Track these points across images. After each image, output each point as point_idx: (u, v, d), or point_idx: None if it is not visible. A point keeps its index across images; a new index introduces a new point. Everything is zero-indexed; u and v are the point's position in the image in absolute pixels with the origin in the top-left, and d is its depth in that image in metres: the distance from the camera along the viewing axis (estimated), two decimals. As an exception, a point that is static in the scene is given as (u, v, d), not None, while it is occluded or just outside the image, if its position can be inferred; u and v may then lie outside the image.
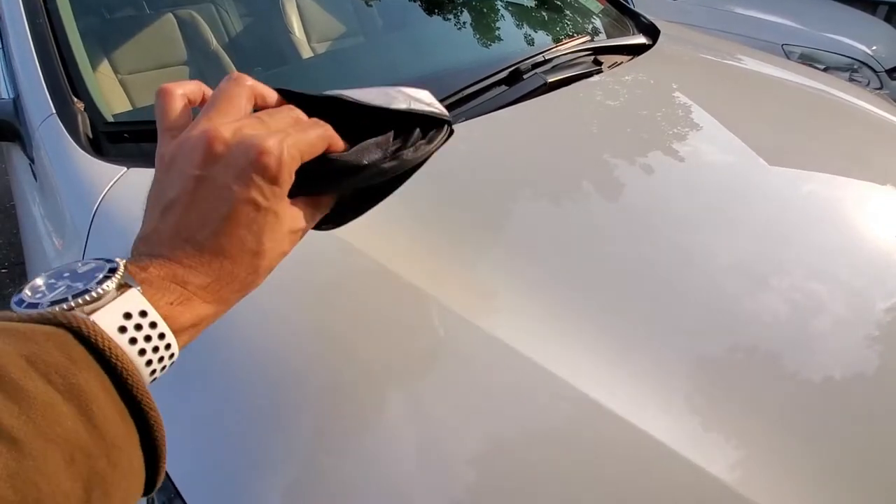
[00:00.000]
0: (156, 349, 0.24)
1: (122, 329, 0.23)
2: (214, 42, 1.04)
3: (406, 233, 0.52)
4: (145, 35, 1.00)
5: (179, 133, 0.29)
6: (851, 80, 2.25)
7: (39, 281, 0.24)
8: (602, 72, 0.91)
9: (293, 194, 0.29)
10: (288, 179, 0.28)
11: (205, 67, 1.03)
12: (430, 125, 0.34)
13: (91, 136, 0.65)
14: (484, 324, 0.46)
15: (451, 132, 0.35)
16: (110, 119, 0.70)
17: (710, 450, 0.40)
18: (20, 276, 1.65)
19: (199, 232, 0.27)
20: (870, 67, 2.32)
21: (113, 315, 0.23)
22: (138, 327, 0.23)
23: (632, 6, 1.28)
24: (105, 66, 0.90)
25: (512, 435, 0.40)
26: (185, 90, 0.31)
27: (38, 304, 0.23)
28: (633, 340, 0.47)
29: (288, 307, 0.46)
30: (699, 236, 0.59)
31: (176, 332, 0.25)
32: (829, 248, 0.60)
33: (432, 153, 0.35)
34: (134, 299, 0.24)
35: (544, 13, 1.17)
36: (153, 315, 0.24)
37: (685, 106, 0.87)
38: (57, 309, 0.22)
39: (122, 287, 0.24)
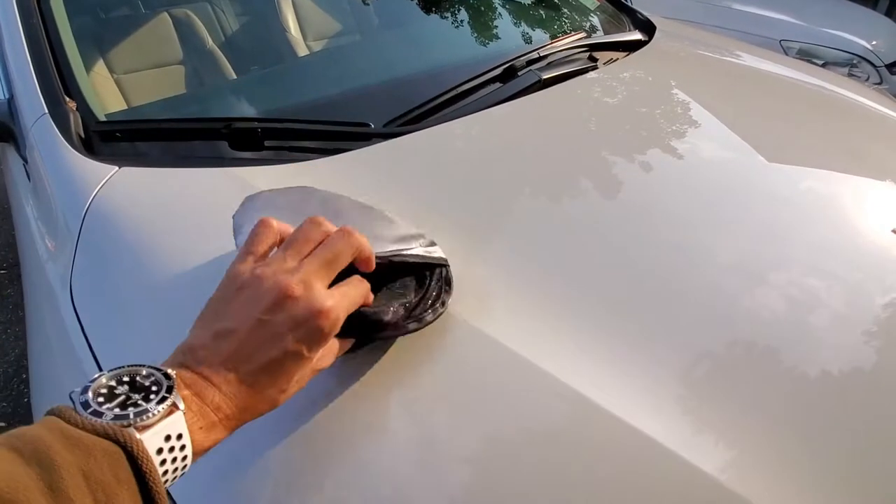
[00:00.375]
0: (175, 467, 0.27)
1: (160, 450, 0.26)
2: (210, 41, 1.04)
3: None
4: (140, 34, 0.99)
5: (257, 260, 0.34)
6: (851, 75, 2.24)
7: (103, 381, 0.27)
8: (598, 68, 0.91)
9: None
10: (332, 339, 0.33)
11: (200, 67, 1.02)
12: (432, 272, 0.41)
13: (83, 135, 0.65)
14: (478, 322, 0.46)
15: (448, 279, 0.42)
16: (102, 118, 0.70)
17: (707, 449, 0.40)
18: (19, 278, 1.65)
19: (244, 365, 0.30)
20: (869, 62, 2.31)
21: (158, 437, 0.26)
22: (171, 449, 0.27)
23: (629, 3, 1.28)
24: (100, 65, 0.90)
25: (507, 434, 0.40)
26: (281, 228, 0.36)
27: (102, 413, 0.26)
28: (629, 338, 0.46)
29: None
30: (696, 233, 0.59)
31: (195, 455, 0.29)
32: (828, 244, 0.60)
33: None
34: (177, 423, 0.27)
35: (540, 10, 1.17)
36: (186, 440, 0.27)
37: (682, 102, 0.87)
38: (118, 425, 0.25)
39: (172, 408, 0.27)
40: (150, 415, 0.26)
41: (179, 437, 0.27)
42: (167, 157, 0.66)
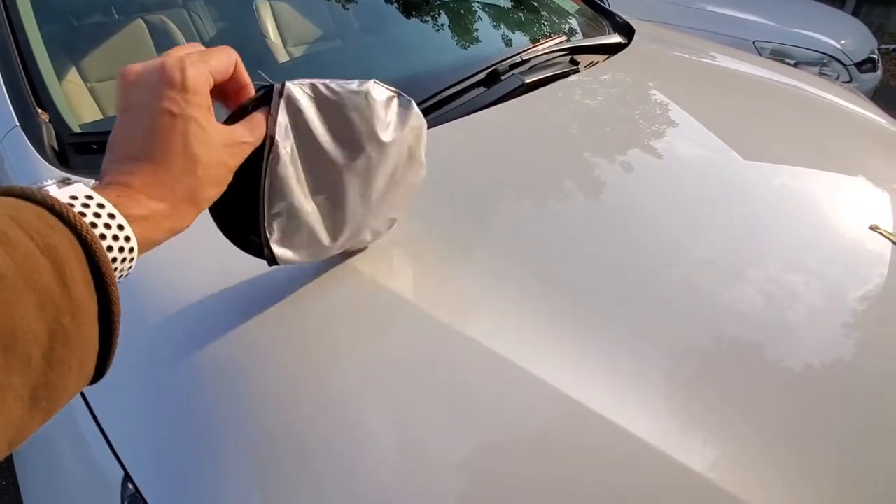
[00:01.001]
0: (115, 237, 0.25)
1: (81, 212, 0.25)
2: (187, 48, 1.02)
3: (384, 236, 0.51)
4: (114, 42, 0.97)
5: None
6: (821, 74, 2.30)
7: None
8: (579, 72, 0.92)
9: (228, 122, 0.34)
10: (199, 89, 0.31)
11: (177, 74, 1.00)
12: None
13: (56, 147, 0.63)
14: (464, 326, 0.45)
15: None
16: (77, 129, 0.68)
17: (696, 447, 0.40)
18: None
19: (129, 147, 0.30)
20: (839, 62, 2.38)
21: (62, 197, 0.25)
22: (86, 206, 0.25)
23: (607, 5, 1.29)
24: (73, 74, 0.87)
25: (494, 438, 0.40)
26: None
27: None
28: (615, 340, 0.47)
29: (271, 313, 0.45)
30: (678, 233, 0.60)
31: (128, 220, 0.26)
32: (809, 241, 0.61)
33: None
34: (79, 188, 0.26)
35: (520, 14, 1.17)
36: (99, 197, 0.25)
37: (662, 104, 0.88)
38: (26, 189, 0.24)
39: (64, 181, 0.26)
40: (44, 186, 0.25)
41: (90, 197, 0.25)
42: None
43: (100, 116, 0.81)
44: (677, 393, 0.44)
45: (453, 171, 0.67)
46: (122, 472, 0.39)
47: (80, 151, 0.64)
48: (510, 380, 0.42)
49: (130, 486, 0.38)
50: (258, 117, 0.35)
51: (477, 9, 1.12)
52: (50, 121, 0.66)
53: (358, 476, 0.37)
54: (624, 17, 1.21)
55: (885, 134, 0.95)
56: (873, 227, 0.63)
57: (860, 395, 0.47)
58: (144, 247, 0.28)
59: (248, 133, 0.34)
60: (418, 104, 0.74)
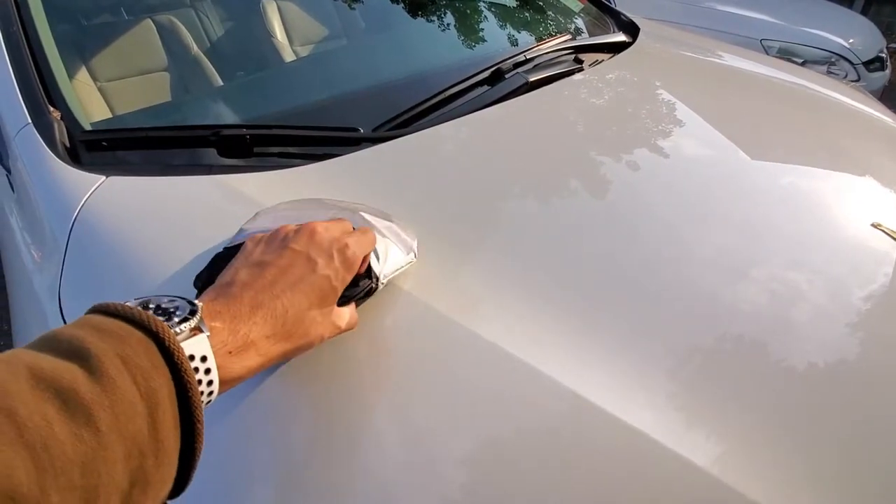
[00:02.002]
0: (201, 390, 0.27)
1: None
2: (195, 47, 1.03)
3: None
4: (123, 41, 0.98)
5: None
6: (829, 73, 2.29)
7: (129, 304, 0.27)
8: (583, 70, 0.92)
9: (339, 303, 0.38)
10: (354, 270, 0.37)
11: (186, 73, 1.02)
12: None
13: (68, 144, 0.64)
14: (468, 322, 0.46)
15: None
16: (88, 127, 0.69)
17: (700, 442, 0.40)
18: (1, 290, 1.62)
19: (275, 287, 0.32)
20: (847, 60, 2.36)
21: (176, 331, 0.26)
22: (196, 370, 0.27)
23: (613, 4, 1.29)
24: (83, 73, 0.88)
25: (499, 434, 0.40)
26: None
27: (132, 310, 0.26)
28: (619, 336, 0.47)
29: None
30: (684, 231, 0.60)
31: (223, 383, 0.28)
32: (813, 239, 0.61)
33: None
34: (201, 344, 0.27)
35: (525, 13, 1.18)
36: (212, 363, 0.27)
37: (667, 102, 0.88)
38: (146, 314, 0.25)
39: (195, 330, 0.27)
40: (174, 331, 0.26)
41: (204, 359, 0.27)
42: (155, 165, 0.65)
43: (109, 115, 0.83)
44: (682, 389, 0.44)
45: (458, 168, 0.67)
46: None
47: (91, 149, 0.65)
48: (514, 376, 0.43)
49: None
50: (348, 313, 0.40)
51: (482, 8, 1.13)
52: (61, 119, 0.67)
53: (360, 471, 0.37)
54: (629, 15, 1.21)
55: (893, 134, 0.94)
56: (876, 225, 0.63)
57: (863, 392, 0.47)
58: (227, 385, 0.29)
59: (344, 321, 0.39)
60: (422, 102, 0.75)
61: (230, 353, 0.29)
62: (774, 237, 0.60)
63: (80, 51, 0.90)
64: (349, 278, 0.37)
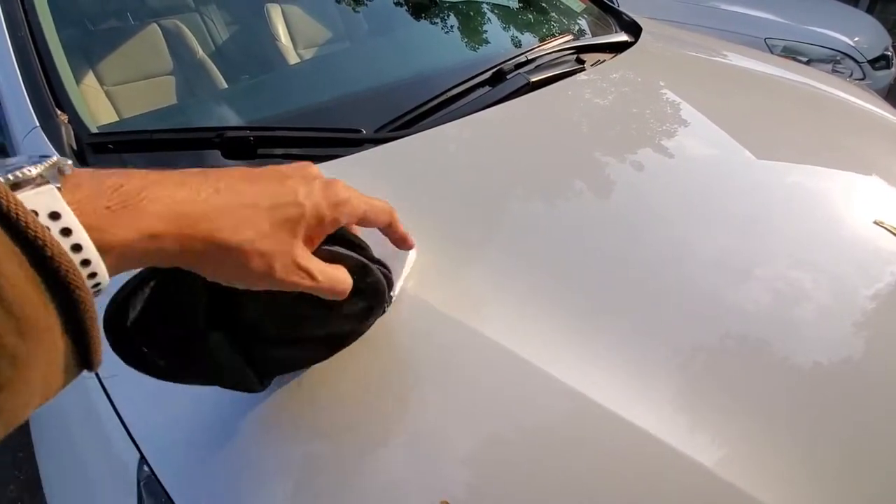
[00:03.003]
0: (76, 247, 0.20)
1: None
2: (200, 51, 1.04)
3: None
4: (130, 46, 0.99)
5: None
6: (834, 71, 2.27)
7: None
8: (585, 70, 0.92)
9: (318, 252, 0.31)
10: (338, 219, 0.31)
11: (191, 77, 1.03)
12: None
13: (75, 147, 0.65)
14: (472, 321, 0.46)
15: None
16: (95, 130, 0.70)
17: (704, 442, 0.40)
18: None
19: (209, 175, 0.26)
20: (852, 59, 2.35)
21: (28, 202, 0.20)
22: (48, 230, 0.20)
23: (616, 5, 1.29)
24: (90, 78, 0.90)
25: (503, 433, 0.40)
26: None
27: None
28: (623, 335, 0.47)
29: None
30: (687, 231, 0.60)
31: (106, 248, 0.21)
32: (816, 237, 0.61)
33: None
34: (44, 196, 0.20)
35: (527, 13, 1.18)
36: (68, 220, 0.20)
37: (670, 102, 0.88)
38: None
39: (39, 180, 0.20)
40: (7, 177, 0.20)
41: (55, 216, 0.20)
42: (161, 167, 0.66)
43: (115, 118, 0.84)
44: (686, 388, 0.44)
45: (461, 168, 0.67)
46: (137, 455, 0.40)
47: (98, 151, 0.66)
48: (518, 375, 0.43)
49: (146, 468, 0.39)
50: (338, 274, 0.33)
51: (484, 10, 1.13)
52: (69, 122, 0.68)
53: (364, 468, 0.37)
54: (631, 15, 1.21)
55: (897, 131, 0.94)
56: (878, 223, 0.63)
57: (869, 391, 0.46)
58: (109, 249, 0.22)
59: (319, 273, 0.31)
60: (424, 103, 0.76)
61: (107, 207, 0.22)
62: (779, 236, 0.60)
63: (86, 55, 0.91)
64: (330, 228, 0.31)
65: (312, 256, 0.31)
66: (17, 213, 0.18)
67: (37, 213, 0.20)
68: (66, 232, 0.20)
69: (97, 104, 0.85)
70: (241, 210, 0.26)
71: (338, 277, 0.33)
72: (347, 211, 0.32)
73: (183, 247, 0.24)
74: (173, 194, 0.24)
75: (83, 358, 0.21)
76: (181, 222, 0.24)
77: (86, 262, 0.21)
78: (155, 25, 1.02)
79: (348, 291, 0.34)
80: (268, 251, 0.27)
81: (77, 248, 0.20)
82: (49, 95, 0.70)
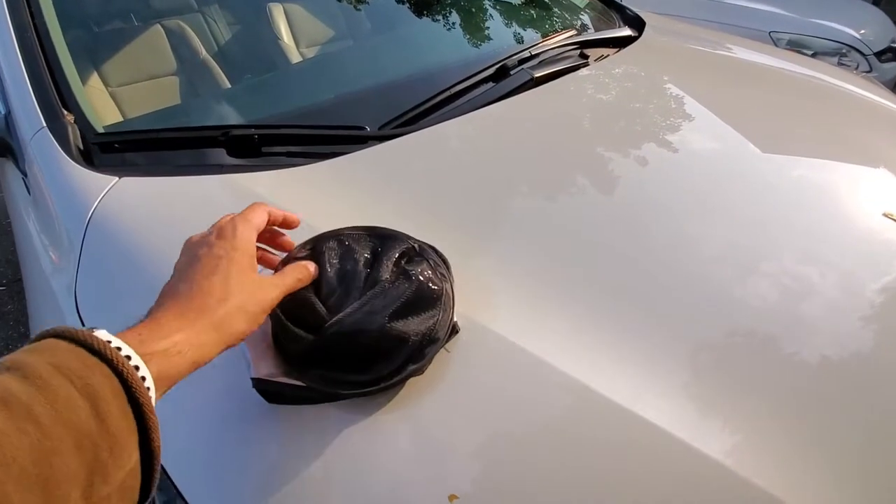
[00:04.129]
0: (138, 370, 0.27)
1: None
2: (203, 51, 1.05)
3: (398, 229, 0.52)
4: (134, 47, 1.00)
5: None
6: (840, 64, 2.25)
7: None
8: (589, 65, 0.92)
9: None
10: (245, 241, 0.36)
11: (195, 77, 1.03)
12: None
13: (82, 147, 0.66)
14: (480, 317, 0.46)
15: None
16: (100, 130, 0.70)
17: (714, 434, 0.40)
18: (18, 294, 1.65)
19: (176, 285, 0.34)
20: (858, 51, 2.33)
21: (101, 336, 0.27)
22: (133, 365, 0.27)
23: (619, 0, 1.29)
24: (95, 78, 0.90)
25: (513, 428, 0.40)
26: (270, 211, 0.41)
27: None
28: (632, 330, 0.47)
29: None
30: (694, 224, 0.60)
31: (147, 356, 0.28)
32: (823, 230, 0.60)
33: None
34: (102, 333, 0.27)
35: (530, 9, 1.18)
36: (137, 360, 0.27)
37: (675, 96, 0.88)
38: (66, 329, 0.26)
39: (90, 331, 0.27)
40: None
41: (129, 357, 0.27)
42: (166, 166, 0.66)
43: (121, 118, 0.84)
44: (695, 382, 0.44)
45: (465, 164, 0.67)
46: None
47: (104, 150, 0.66)
48: (529, 371, 0.43)
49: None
50: (289, 269, 0.39)
51: (486, 6, 1.13)
52: (75, 122, 0.69)
53: (373, 464, 0.38)
54: (634, 10, 1.21)
55: (904, 123, 0.93)
56: (887, 215, 0.62)
57: (877, 383, 0.46)
58: (163, 381, 0.29)
59: (279, 279, 0.38)
60: (428, 100, 0.76)
61: (140, 334, 0.29)
62: (786, 229, 0.60)
63: (92, 56, 0.92)
64: (238, 245, 0.36)
65: (261, 276, 0.37)
66: (107, 353, 0.26)
67: (120, 349, 0.27)
68: (137, 368, 0.27)
69: (103, 105, 0.85)
70: (207, 298, 0.34)
71: (285, 273, 0.39)
72: (244, 238, 0.37)
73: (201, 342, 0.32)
74: (166, 313, 0.32)
75: (145, 485, 0.27)
76: (188, 326, 0.32)
77: (144, 379, 0.27)
78: (158, 26, 1.02)
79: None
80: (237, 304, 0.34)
81: (144, 379, 0.27)
82: (56, 97, 0.71)
